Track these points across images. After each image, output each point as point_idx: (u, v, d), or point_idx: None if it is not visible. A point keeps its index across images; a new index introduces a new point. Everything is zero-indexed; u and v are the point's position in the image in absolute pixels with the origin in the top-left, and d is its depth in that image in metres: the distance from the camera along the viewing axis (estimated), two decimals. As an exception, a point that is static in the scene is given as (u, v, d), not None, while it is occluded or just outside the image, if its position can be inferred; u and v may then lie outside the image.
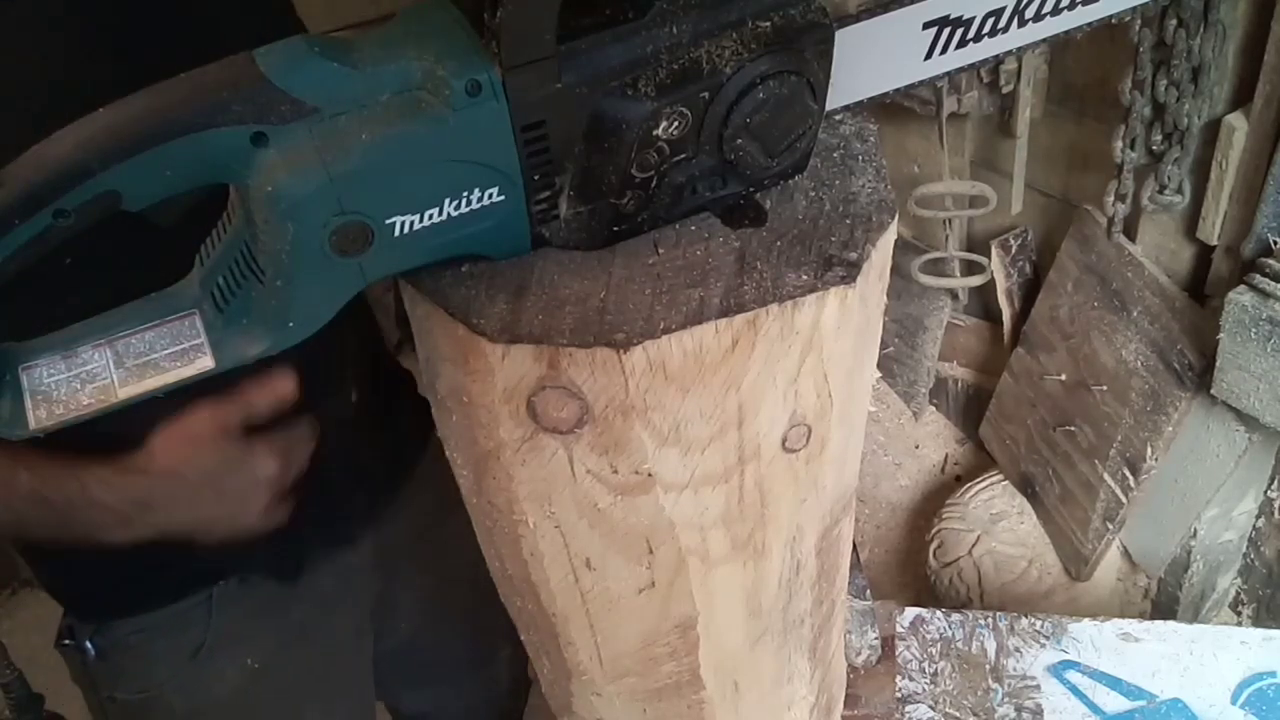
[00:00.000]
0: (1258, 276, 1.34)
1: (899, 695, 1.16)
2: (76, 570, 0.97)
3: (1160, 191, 1.50)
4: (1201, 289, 1.56)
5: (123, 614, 0.99)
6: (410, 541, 1.16)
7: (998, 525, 1.88)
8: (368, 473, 1.10)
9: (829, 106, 0.61)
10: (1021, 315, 1.92)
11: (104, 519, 0.84)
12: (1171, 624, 1.21)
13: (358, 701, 1.20)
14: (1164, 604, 1.78)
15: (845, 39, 0.59)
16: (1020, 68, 1.63)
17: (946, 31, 0.64)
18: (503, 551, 0.70)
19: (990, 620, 1.23)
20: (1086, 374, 1.72)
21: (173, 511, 0.85)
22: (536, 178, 0.53)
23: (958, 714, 1.15)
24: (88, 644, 0.99)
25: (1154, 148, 1.47)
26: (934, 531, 1.92)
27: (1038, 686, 1.16)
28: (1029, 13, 0.65)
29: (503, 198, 0.53)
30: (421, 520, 1.16)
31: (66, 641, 0.99)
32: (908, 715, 1.15)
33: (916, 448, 2.21)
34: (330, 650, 1.12)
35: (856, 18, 0.61)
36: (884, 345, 1.70)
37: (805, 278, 0.55)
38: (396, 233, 0.52)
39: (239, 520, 0.87)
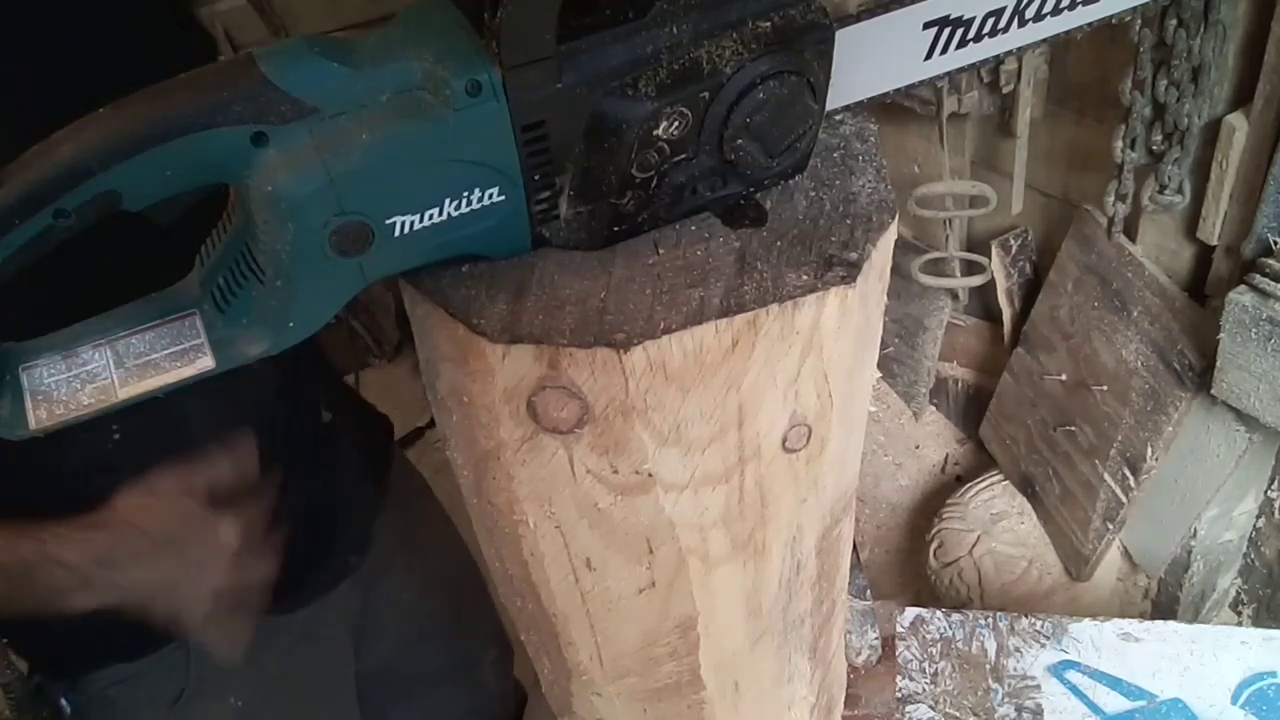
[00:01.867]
0: (1258, 276, 1.34)
1: (899, 695, 1.16)
2: (51, 633, 0.92)
3: (1160, 191, 1.50)
4: (1202, 289, 1.56)
5: (98, 667, 0.96)
6: (388, 557, 1.16)
7: (998, 525, 1.88)
8: (343, 494, 1.10)
9: (829, 106, 0.61)
10: (1021, 315, 1.92)
11: (63, 580, 0.81)
12: (1171, 624, 1.21)
13: None
14: (1164, 604, 1.78)
15: (845, 39, 0.59)
16: (1020, 68, 1.63)
17: (946, 31, 0.64)
18: (503, 551, 0.70)
19: (990, 620, 1.23)
20: (1087, 374, 1.72)
21: (134, 570, 0.83)
22: (536, 178, 0.53)
23: (958, 714, 1.15)
24: (63, 702, 0.95)
25: (1154, 148, 1.47)
26: (934, 531, 1.92)
27: (1038, 686, 1.16)
28: (1029, 13, 0.65)
29: (503, 198, 0.53)
30: (396, 534, 1.16)
31: (36, 699, 0.95)
32: (908, 715, 1.15)
33: (916, 448, 2.21)
34: (315, 679, 1.11)
35: (856, 18, 0.61)
36: (884, 345, 1.70)
37: (805, 278, 0.55)
38: (397, 233, 0.52)
39: (196, 589, 0.85)
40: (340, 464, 1.08)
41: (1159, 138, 1.45)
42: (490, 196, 0.53)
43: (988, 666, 1.18)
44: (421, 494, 1.27)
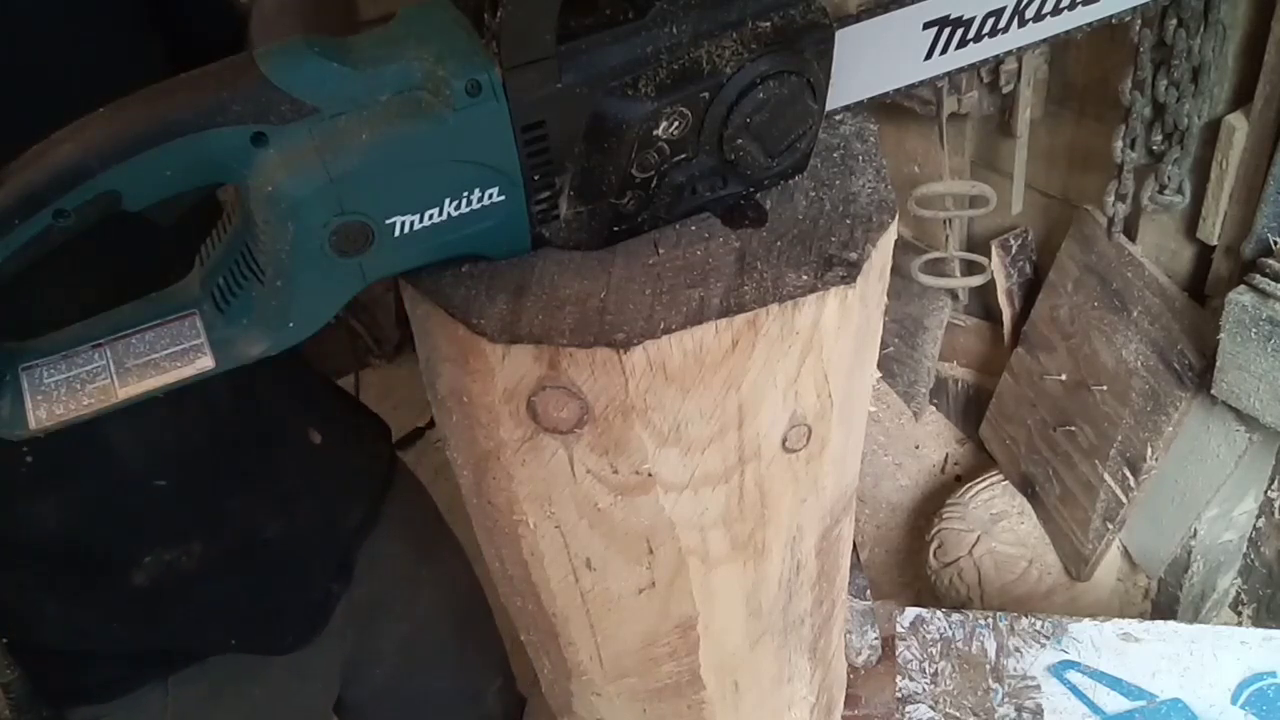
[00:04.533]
0: (1258, 276, 1.34)
1: (899, 695, 1.16)
2: (25, 660, 0.90)
3: (1160, 191, 1.50)
4: (1201, 289, 1.56)
5: (72, 705, 0.93)
6: (385, 592, 1.10)
7: (998, 525, 1.88)
8: (335, 522, 1.04)
9: (829, 106, 0.61)
10: (1021, 315, 1.92)
11: None
12: (1171, 624, 1.21)
13: None
14: (1164, 604, 1.78)
15: (845, 39, 0.59)
16: (1020, 68, 1.63)
17: (946, 31, 0.64)
18: (503, 551, 0.70)
19: (990, 620, 1.23)
20: (1086, 374, 1.72)
21: None
22: (536, 178, 0.53)
23: (958, 714, 1.15)
24: None
25: (1154, 148, 1.47)
26: (934, 531, 1.92)
27: (1038, 686, 1.16)
28: (1029, 13, 0.65)
29: (503, 198, 0.53)
30: (394, 568, 1.11)
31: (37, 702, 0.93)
32: (908, 715, 1.15)
33: (916, 448, 2.21)
34: (297, 717, 1.06)
35: (856, 18, 0.61)
36: (884, 345, 1.70)
37: (805, 278, 0.55)
38: (397, 233, 0.52)
39: None
40: (333, 489, 1.02)
41: (1159, 138, 1.45)
42: (490, 196, 0.53)
43: (988, 666, 1.18)
44: (428, 523, 1.20)
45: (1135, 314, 1.61)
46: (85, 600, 0.87)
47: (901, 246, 1.94)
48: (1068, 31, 0.68)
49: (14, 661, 0.88)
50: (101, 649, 0.90)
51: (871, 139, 0.64)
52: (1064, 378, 1.77)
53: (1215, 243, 1.49)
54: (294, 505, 0.96)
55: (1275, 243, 1.36)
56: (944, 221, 1.88)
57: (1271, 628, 1.29)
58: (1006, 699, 1.15)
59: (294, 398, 0.99)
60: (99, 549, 0.85)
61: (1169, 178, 1.48)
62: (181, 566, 0.87)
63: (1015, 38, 0.67)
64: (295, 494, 0.97)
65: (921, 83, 0.67)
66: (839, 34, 0.57)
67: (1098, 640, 1.20)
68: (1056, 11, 0.66)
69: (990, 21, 0.65)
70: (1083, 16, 0.68)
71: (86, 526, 0.83)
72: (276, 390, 0.95)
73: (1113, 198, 1.56)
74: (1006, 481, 1.94)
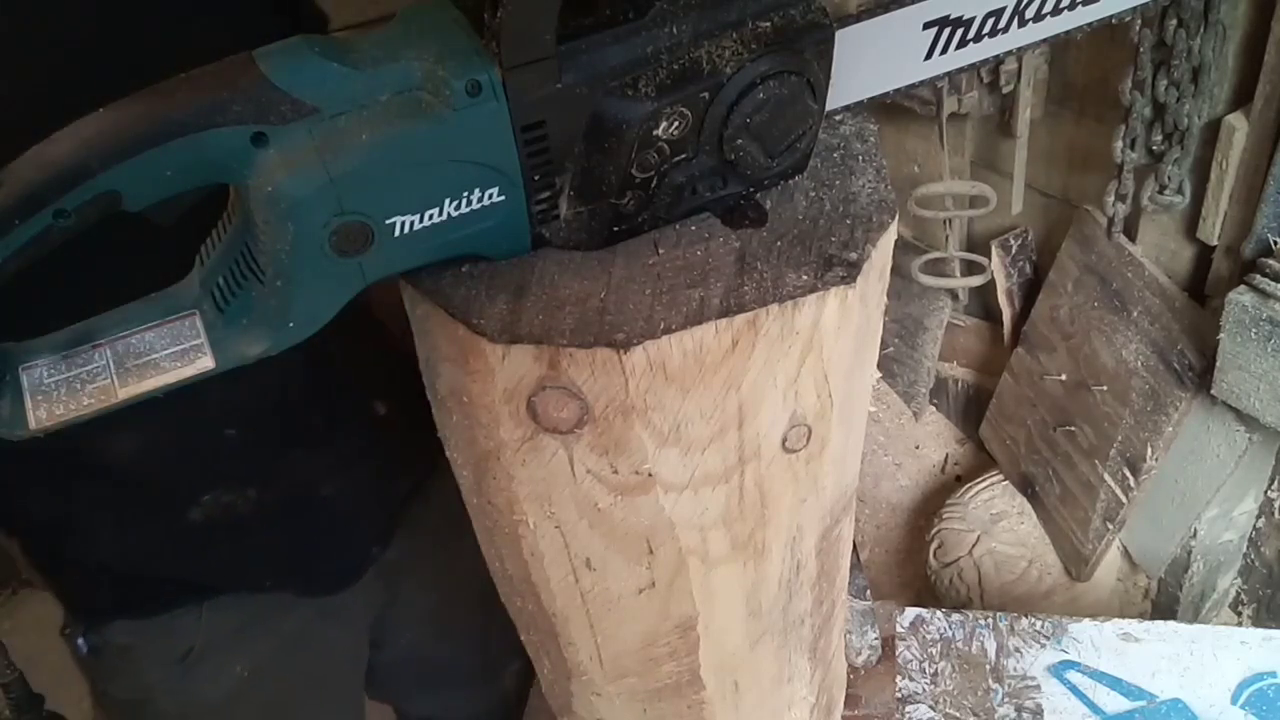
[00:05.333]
0: (1258, 276, 1.34)
1: (899, 695, 1.16)
2: (71, 576, 0.98)
3: (1160, 191, 1.50)
4: (1201, 289, 1.56)
5: (114, 618, 0.99)
6: (416, 559, 1.15)
7: (998, 525, 1.88)
8: (385, 489, 1.09)
9: (829, 106, 0.61)
10: (1021, 315, 1.92)
11: None
12: (1171, 624, 1.21)
13: (349, 709, 1.20)
14: (1164, 604, 1.77)
15: (845, 39, 0.59)
16: (1020, 68, 1.63)
17: (946, 31, 0.64)
18: (503, 551, 0.70)
19: (990, 620, 1.23)
20: (1086, 374, 1.72)
21: None
22: (536, 178, 0.53)
23: (958, 714, 1.15)
24: (79, 640, 0.99)
25: (1154, 148, 1.47)
26: (934, 531, 1.92)
27: (1038, 686, 1.16)
28: (1029, 13, 0.65)
29: (503, 198, 0.53)
30: (430, 537, 1.15)
31: (66, 631, 1.00)
32: (908, 715, 1.15)
33: (916, 448, 2.21)
34: (323, 661, 1.12)
35: (856, 18, 0.61)
36: (884, 345, 1.70)
37: (805, 278, 0.55)
38: (397, 233, 0.52)
39: None
40: (387, 457, 1.07)
41: (1159, 138, 1.45)
42: (490, 196, 0.53)
43: (988, 666, 1.18)
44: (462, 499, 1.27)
45: (1135, 314, 1.61)
46: (143, 527, 0.93)
47: (901, 246, 1.94)
48: (1068, 31, 0.68)
49: (13, 662, 0.89)
50: (148, 572, 0.96)
51: (871, 139, 0.64)
52: (1064, 378, 1.77)
53: (1215, 243, 1.49)
54: (349, 469, 1.02)
55: (1275, 243, 1.36)
56: (944, 221, 1.87)
57: (1271, 628, 1.29)
58: (1006, 699, 1.15)
59: (365, 369, 1.04)
60: (165, 483, 0.91)
61: (1169, 178, 1.48)
62: (236, 509, 0.93)
63: (1015, 38, 0.67)
64: (352, 459, 1.02)
65: (921, 83, 0.67)
66: (839, 34, 0.57)
67: (1098, 640, 1.20)
68: (1056, 11, 0.66)
69: (990, 21, 0.65)
70: (1083, 16, 0.68)
71: (158, 461, 0.88)
72: (350, 361, 1.00)
73: (1113, 198, 1.56)
74: (1006, 481, 1.94)
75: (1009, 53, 0.67)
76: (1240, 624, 1.77)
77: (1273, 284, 1.32)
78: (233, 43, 0.50)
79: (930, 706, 1.15)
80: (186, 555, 0.96)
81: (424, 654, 1.24)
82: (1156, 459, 1.60)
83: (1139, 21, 1.35)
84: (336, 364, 0.97)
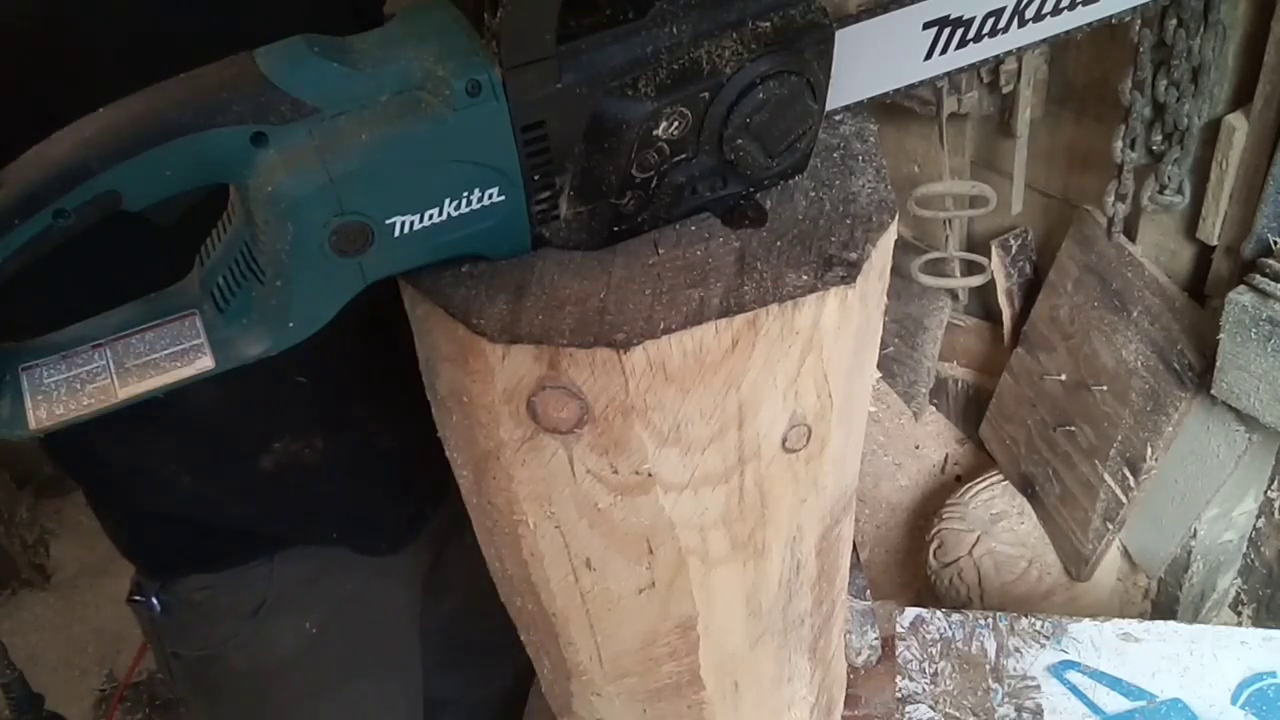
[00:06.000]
0: (1258, 276, 1.34)
1: (899, 695, 1.16)
2: (146, 530, 1.00)
3: (1160, 191, 1.50)
4: (1201, 289, 1.56)
5: (188, 572, 1.01)
6: (460, 527, 1.17)
7: (998, 525, 1.88)
8: (435, 450, 1.12)
9: (829, 106, 0.61)
10: (1021, 315, 1.92)
11: None
12: (1171, 624, 1.21)
13: (407, 675, 1.22)
14: (1164, 604, 1.78)
15: (845, 39, 0.59)
16: (1020, 68, 1.63)
17: (946, 31, 0.64)
18: (503, 551, 0.70)
19: (990, 620, 1.23)
20: (1086, 374, 1.72)
21: None
22: (536, 178, 0.53)
23: (958, 714, 1.15)
24: (154, 600, 1.01)
25: (1154, 148, 1.47)
26: (934, 531, 1.92)
27: (1038, 686, 1.16)
28: (1029, 13, 0.65)
29: (503, 198, 0.53)
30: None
31: (136, 598, 1.02)
32: (908, 715, 1.15)
33: (916, 448, 2.21)
34: (383, 620, 1.14)
35: (856, 18, 0.61)
36: (884, 345, 1.70)
37: (805, 278, 0.55)
38: (396, 233, 0.52)
39: None
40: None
41: (1159, 138, 1.45)
42: (490, 196, 0.53)
43: (988, 666, 1.18)
44: None
45: (1135, 314, 1.61)
46: (217, 475, 0.95)
47: (901, 246, 1.94)
48: (1068, 31, 0.68)
49: (13, 662, 0.89)
50: (221, 523, 0.98)
51: (871, 139, 0.64)
52: (1064, 378, 1.77)
53: (1215, 243, 1.49)
54: (407, 425, 1.03)
55: (1275, 243, 1.36)
56: (944, 221, 1.88)
57: (1271, 628, 1.29)
58: (1006, 699, 1.15)
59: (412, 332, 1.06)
60: (239, 429, 0.93)
61: (1169, 178, 1.48)
62: (304, 458, 0.95)
63: (1015, 38, 0.66)
64: (410, 416, 1.03)
65: (921, 83, 0.67)
66: (839, 34, 0.57)
67: (1098, 640, 1.20)
68: (1056, 11, 0.66)
69: (990, 21, 0.65)
70: (1083, 16, 0.68)
71: (233, 406, 0.89)
72: (401, 321, 1.01)
73: (1113, 198, 1.56)
74: (1006, 481, 1.94)
75: (1009, 53, 0.67)
76: (1240, 624, 1.77)
77: (1273, 284, 1.32)
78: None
79: (930, 706, 1.15)
80: (257, 505, 0.98)
81: (458, 624, 1.26)
82: (1156, 459, 1.60)
83: (1139, 21, 1.35)
84: (391, 324, 0.99)
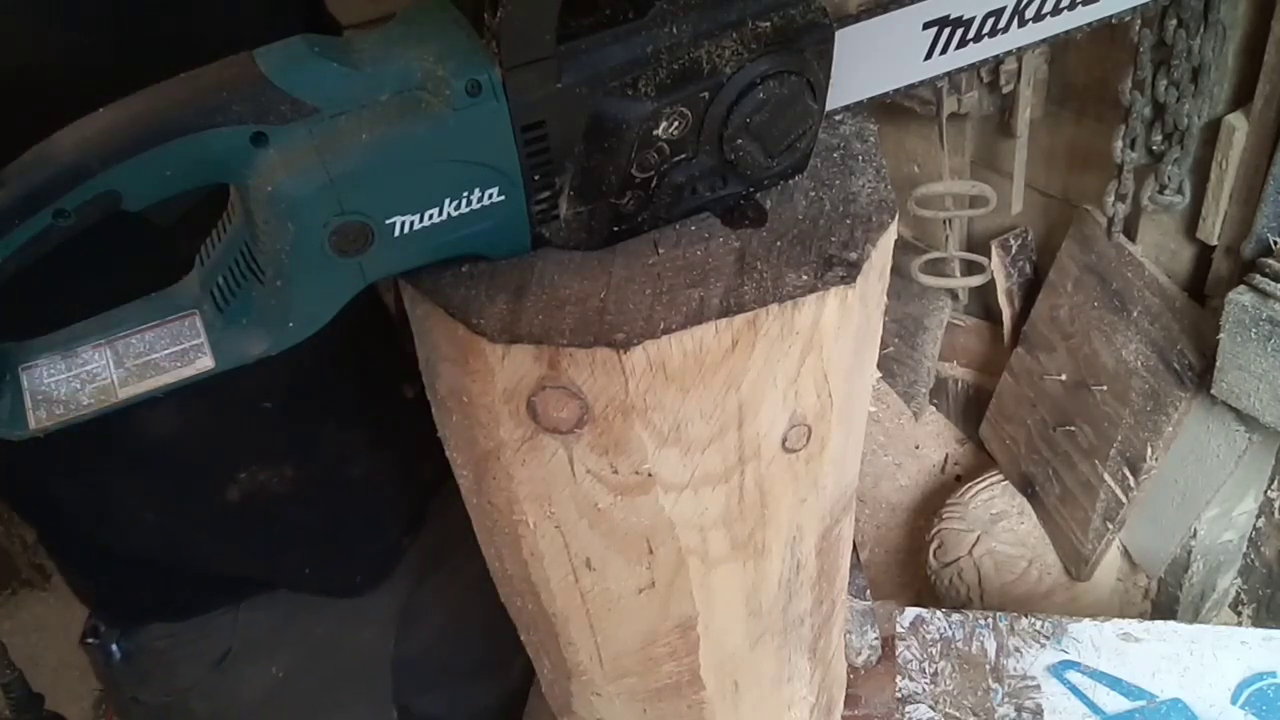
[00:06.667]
0: (1258, 276, 1.34)
1: (899, 695, 1.16)
2: (107, 576, 0.97)
3: (1160, 191, 1.50)
4: (1201, 289, 1.56)
5: (150, 620, 0.98)
6: (442, 549, 1.14)
7: (998, 525, 1.88)
8: (412, 474, 1.09)
9: (829, 106, 0.61)
10: (1021, 315, 1.92)
11: None
12: (1171, 624, 1.21)
13: (378, 708, 1.19)
14: (1164, 604, 1.77)
15: (845, 39, 0.59)
16: (1020, 68, 1.63)
17: (946, 31, 0.64)
18: (503, 551, 0.70)
19: (990, 620, 1.23)
20: (1086, 374, 1.72)
21: None
22: (536, 178, 0.53)
23: (958, 714, 1.15)
24: (113, 646, 0.98)
25: (1154, 148, 1.47)
26: (934, 531, 1.92)
27: (1038, 686, 1.16)
28: (1029, 13, 0.65)
29: (503, 198, 0.53)
30: (454, 527, 1.15)
31: (91, 640, 0.99)
32: (908, 715, 1.15)
33: (916, 448, 2.21)
34: (356, 659, 1.11)
35: (856, 18, 0.61)
36: (884, 345, 1.70)
37: (805, 278, 0.55)
38: (396, 233, 0.52)
39: None
40: (414, 442, 1.07)
41: (1159, 138, 1.45)
42: (490, 196, 0.53)
43: (988, 666, 1.18)
44: None
45: (1135, 314, 1.61)
46: (181, 510, 0.91)
47: (901, 246, 1.94)
48: (1068, 31, 0.68)
49: (13, 662, 0.89)
50: (186, 564, 0.95)
51: (871, 139, 0.64)
52: (1064, 378, 1.77)
53: (1215, 243, 1.49)
54: (379, 450, 1.01)
55: (1275, 243, 1.36)
56: (944, 221, 1.87)
57: (1271, 628, 1.29)
58: (1006, 699, 1.15)
59: (391, 353, 1.03)
60: (203, 459, 0.90)
61: (1169, 178, 1.48)
62: (272, 488, 0.92)
63: (1015, 38, 0.67)
64: (382, 440, 1.02)
65: (921, 83, 0.67)
66: (839, 34, 0.57)
67: (1098, 640, 1.20)
68: (1056, 11, 0.66)
69: (990, 21, 0.65)
70: (1083, 16, 0.68)
71: (197, 435, 0.86)
72: (377, 343, 1.01)
73: (1113, 198, 1.56)
74: (1006, 481, 1.94)
75: (1009, 53, 0.67)
76: (1240, 624, 1.77)
77: (1273, 284, 1.32)
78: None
79: (930, 706, 1.15)
80: (225, 541, 0.95)
81: (439, 650, 1.23)
82: (1156, 459, 1.60)
83: (1139, 21, 1.35)
84: (364, 346, 0.98)
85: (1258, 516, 1.67)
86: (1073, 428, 1.75)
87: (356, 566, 1.05)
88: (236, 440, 0.90)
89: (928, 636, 1.22)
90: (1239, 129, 1.38)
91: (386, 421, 1.02)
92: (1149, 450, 1.60)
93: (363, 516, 1.03)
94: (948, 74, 0.67)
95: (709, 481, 0.61)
